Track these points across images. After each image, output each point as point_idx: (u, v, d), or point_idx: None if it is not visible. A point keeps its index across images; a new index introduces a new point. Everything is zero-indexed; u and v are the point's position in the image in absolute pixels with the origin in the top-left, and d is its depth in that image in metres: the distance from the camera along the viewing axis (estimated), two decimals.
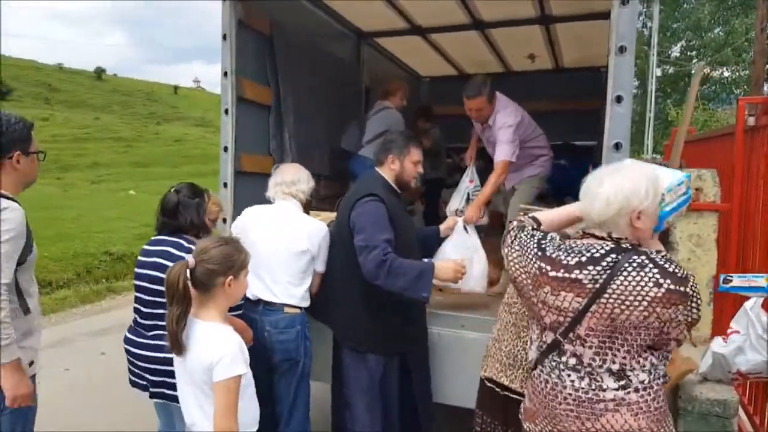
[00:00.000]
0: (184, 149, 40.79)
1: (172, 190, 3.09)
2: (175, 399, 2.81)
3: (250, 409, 2.39)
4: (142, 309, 2.97)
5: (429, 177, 6.97)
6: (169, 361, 2.81)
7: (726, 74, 28.27)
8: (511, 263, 2.25)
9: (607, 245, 2.06)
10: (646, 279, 1.96)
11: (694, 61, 28.24)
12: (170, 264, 2.82)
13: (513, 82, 7.78)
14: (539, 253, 2.15)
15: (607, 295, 1.98)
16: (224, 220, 4.17)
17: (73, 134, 45.38)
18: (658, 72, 25.09)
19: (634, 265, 1.98)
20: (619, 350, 2.01)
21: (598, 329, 2.01)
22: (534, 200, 4.62)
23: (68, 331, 7.33)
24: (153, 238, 3.09)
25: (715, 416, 3.08)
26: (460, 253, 3.70)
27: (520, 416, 2.36)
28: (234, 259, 2.34)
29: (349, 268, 3.29)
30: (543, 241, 2.18)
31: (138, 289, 3.00)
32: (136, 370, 2.99)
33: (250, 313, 3.35)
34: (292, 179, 3.61)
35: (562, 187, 6.19)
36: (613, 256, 2.03)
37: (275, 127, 4.83)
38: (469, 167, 4.72)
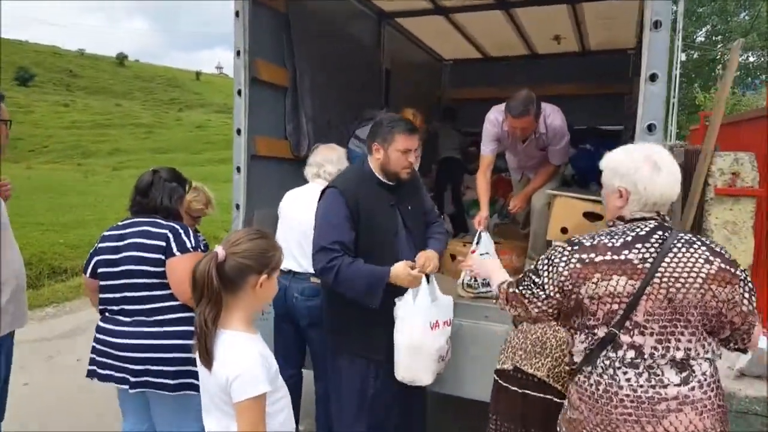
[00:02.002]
0: (206, 135, 40.91)
1: (151, 169, 2.99)
2: (160, 386, 2.74)
3: (285, 426, 2.09)
4: (116, 296, 2.80)
5: (445, 156, 6.89)
6: (152, 348, 2.74)
7: (751, 59, 27.72)
8: (540, 294, 2.06)
9: (651, 223, 1.98)
10: (696, 255, 1.89)
11: (719, 45, 27.71)
12: (150, 242, 2.74)
13: (538, 65, 7.66)
14: (575, 248, 2.00)
15: (659, 275, 1.87)
16: (237, 207, 4.07)
17: (94, 120, 45.85)
18: (683, 57, 24.63)
19: (683, 241, 1.92)
20: (683, 333, 1.87)
21: (656, 313, 1.87)
22: (558, 186, 4.47)
23: (82, 320, 7.20)
24: (121, 222, 2.91)
25: (754, 414, 2.91)
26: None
27: (558, 429, 2.16)
28: (270, 256, 2.04)
29: None
30: (572, 240, 2.06)
31: (111, 275, 2.81)
32: (114, 362, 2.78)
33: (281, 280, 3.33)
34: (320, 161, 3.80)
35: (587, 172, 6.03)
36: (660, 233, 1.95)
37: (292, 109, 4.68)
38: (479, 231, 3.83)
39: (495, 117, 4.21)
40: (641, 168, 1.99)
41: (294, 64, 4.63)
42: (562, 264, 1.98)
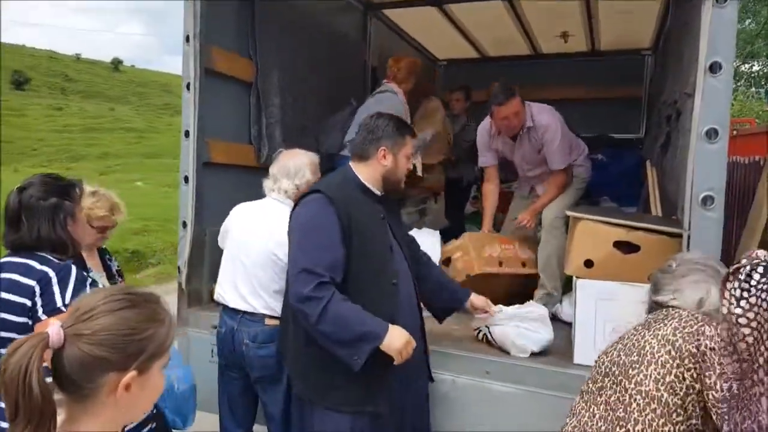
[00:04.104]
0: None
1: (16, 188, 2.14)
2: None
3: None
4: None
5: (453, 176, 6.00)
6: None
7: (756, 68, 27.20)
8: None
9: None
10: None
11: None
12: (16, 300, 1.95)
13: (541, 66, 7.12)
14: None
15: None
16: (184, 224, 3.40)
17: (86, 124, 45.59)
18: None
19: None
20: None
21: None
22: (577, 203, 3.83)
23: None
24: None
25: None
26: None
27: None
28: (143, 338, 1.20)
29: None
30: None
31: None
32: None
33: (228, 321, 2.94)
34: (275, 172, 3.03)
35: (599, 185, 5.46)
36: None
37: (256, 109, 4.00)
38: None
39: (483, 125, 4.08)
40: None
41: (257, 55, 3.94)
42: None
